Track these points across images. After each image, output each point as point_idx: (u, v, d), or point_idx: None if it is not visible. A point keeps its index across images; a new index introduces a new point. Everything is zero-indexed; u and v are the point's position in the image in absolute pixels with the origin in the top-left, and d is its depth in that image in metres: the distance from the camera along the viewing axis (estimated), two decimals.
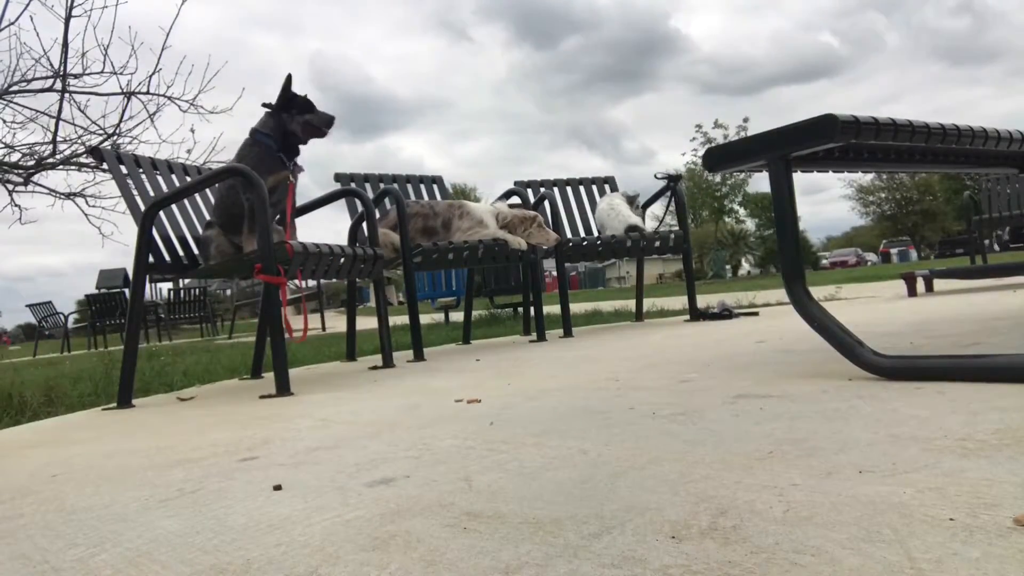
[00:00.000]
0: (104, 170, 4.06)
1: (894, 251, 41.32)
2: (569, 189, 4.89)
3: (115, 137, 4.79)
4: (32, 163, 4.89)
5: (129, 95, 4.75)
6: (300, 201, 3.29)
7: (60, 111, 4.69)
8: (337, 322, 10.67)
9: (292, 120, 2.96)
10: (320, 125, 3.02)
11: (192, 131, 4.97)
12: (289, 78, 2.95)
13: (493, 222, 3.98)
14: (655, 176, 4.64)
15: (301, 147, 3.04)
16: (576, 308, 7.06)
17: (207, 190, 3.23)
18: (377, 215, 3.74)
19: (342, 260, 2.96)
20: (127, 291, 10.33)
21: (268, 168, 2.87)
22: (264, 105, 2.98)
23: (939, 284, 5.80)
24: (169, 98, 4.87)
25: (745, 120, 37.70)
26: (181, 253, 3.03)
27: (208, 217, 3.13)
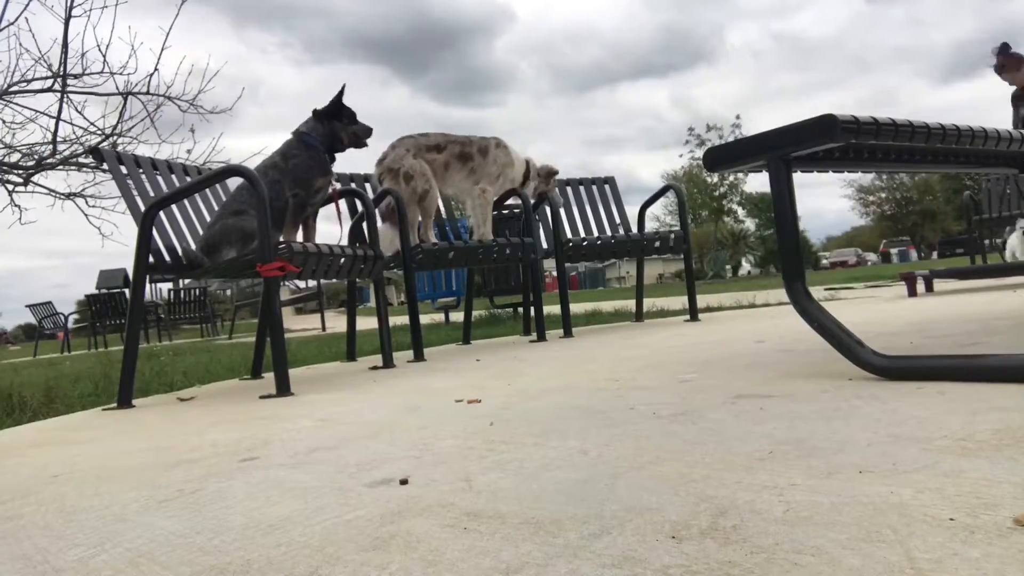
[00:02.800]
0: (104, 170, 4.06)
1: (894, 251, 41.32)
2: (569, 189, 4.89)
3: (114, 137, 4.79)
4: (32, 163, 4.89)
5: (127, 95, 4.75)
6: None
7: (60, 111, 4.69)
8: (337, 322, 10.67)
9: (343, 128, 3.08)
10: (363, 136, 3.16)
11: (192, 131, 4.98)
12: (343, 89, 3.07)
13: (520, 171, 4.17)
14: None
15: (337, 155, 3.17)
16: (576, 308, 7.06)
17: (207, 190, 3.23)
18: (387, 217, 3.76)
19: (342, 260, 2.96)
20: (127, 291, 10.32)
21: (320, 171, 3.02)
22: (315, 111, 3.08)
23: (939, 284, 5.80)
24: (168, 98, 4.88)
25: (737, 117, 37.95)
26: (181, 253, 3.02)
27: (208, 217, 3.13)
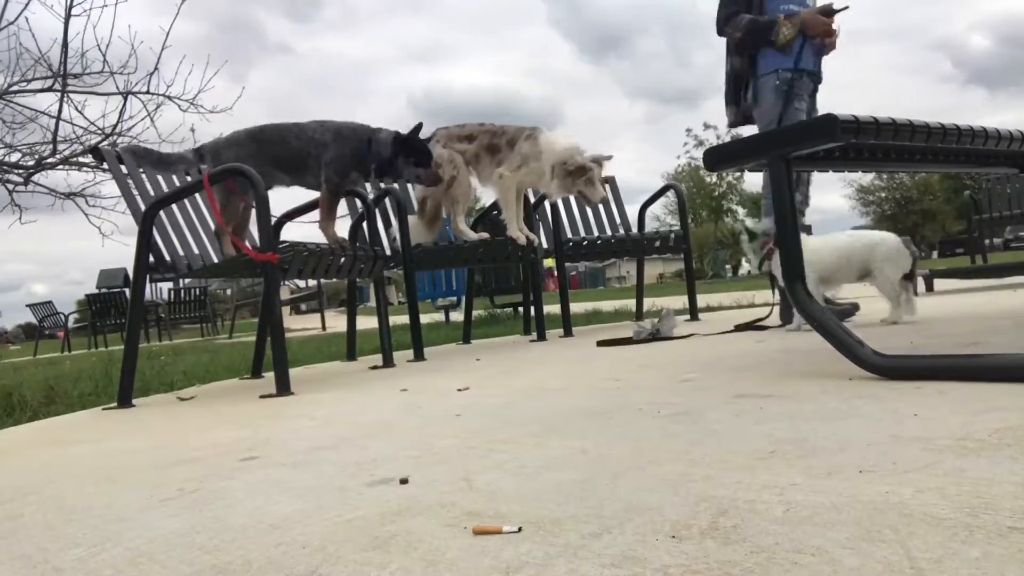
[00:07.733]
0: (104, 170, 4.06)
1: None
2: None
3: (114, 136, 4.79)
4: (32, 163, 4.89)
5: (127, 95, 4.76)
6: (297, 202, 3.34)
7: (60, 111, 4.69)
8: (337, 322, 10.66)
9: (404, 163, 2.97)
10: (420, 180, 3.13)
11: (192, 130, 4.98)
12: (420, 126, 2.97)
13: (549, 165, 3.84)
14: None
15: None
16: (576, 308, 7.05)
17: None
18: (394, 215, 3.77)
19: (342, 260, 2.96)
20: (127, 291, 10.32)
21: (358, 172, 3.01)
22: (398, 135, 2.97)
23: (939, 284, 5.80)
24: (168, 97, 4.88)
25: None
26: (181, 253, 3.02)
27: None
